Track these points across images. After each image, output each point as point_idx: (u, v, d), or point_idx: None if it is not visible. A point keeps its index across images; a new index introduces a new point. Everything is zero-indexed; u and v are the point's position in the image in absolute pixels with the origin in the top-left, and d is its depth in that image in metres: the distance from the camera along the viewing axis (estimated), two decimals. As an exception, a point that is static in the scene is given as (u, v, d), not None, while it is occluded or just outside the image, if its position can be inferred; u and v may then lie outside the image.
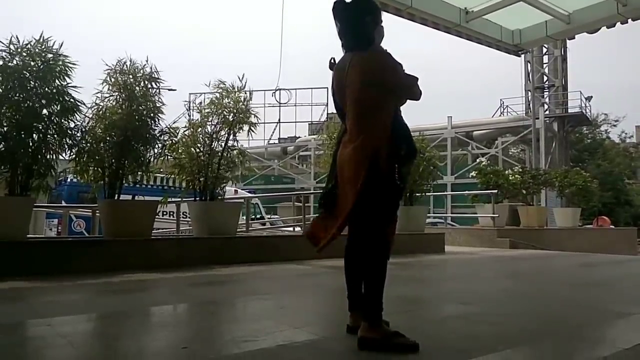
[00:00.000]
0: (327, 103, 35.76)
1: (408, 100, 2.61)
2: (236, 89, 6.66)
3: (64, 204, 11.44)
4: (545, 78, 27.63)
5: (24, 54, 5.24)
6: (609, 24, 9.79)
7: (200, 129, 6.66)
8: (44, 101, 5.29)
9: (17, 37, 5.24)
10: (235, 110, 6.60)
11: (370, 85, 2.46)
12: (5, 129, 5.09)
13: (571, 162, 27.94)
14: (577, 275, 6.26)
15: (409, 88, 2.56)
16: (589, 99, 28.38)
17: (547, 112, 26.25)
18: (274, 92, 34.13)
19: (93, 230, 8.48)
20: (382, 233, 2.42)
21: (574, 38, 11.72)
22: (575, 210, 13.34)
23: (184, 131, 6.61)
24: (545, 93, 27.72)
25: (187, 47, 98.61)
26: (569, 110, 27.13)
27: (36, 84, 5.23)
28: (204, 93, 6.89)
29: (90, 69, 6.05)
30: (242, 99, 6.66)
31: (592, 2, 9.33)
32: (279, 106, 36.19)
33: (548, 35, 10.56)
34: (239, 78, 6.72)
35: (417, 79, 2.55)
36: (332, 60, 2.65)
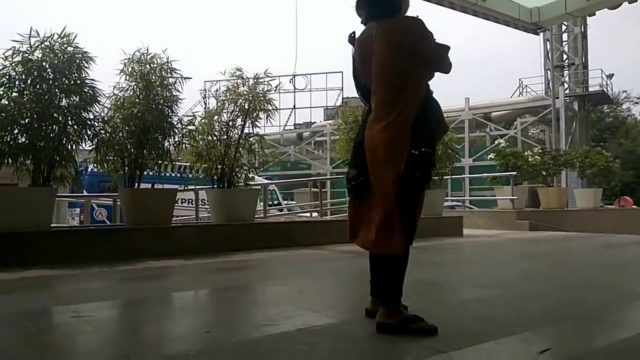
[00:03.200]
0: (342, 87, 35.62)
1: (435, 74, 2.44)
2: (252, 77, 6.67)
3: (85, 193, 11.63)
4: (564, 56, 27.05)
5: (45, 47, 5.31)
6: (630, -1, 9.54)
7: (216, 117, 6.70)
8: (63, 93, 5.37)
9: (37, 31, 5.31)
10: (251, 98, 6.62)
11: (400, 54, 2.29)
12: (27, 120, 5.18)
13: (592, 141, 27.46)
14: (598, 256, 6.19)
15: (440, 59, 2.38)
16: (610, 77, 27.81)
17: (567, 92, 25.74)
18: (291, 79, 34.02)
19: (114, 218, 8.63)
20: (411, 216, 2.29)
21: (594, 14, 11.44)
22: (596, 190, 13.14)
23: (201, 119, 6.66)
24: (565, 72, 27.17)
25: (201, 34, 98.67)
26: (590, 89, 26.58)
27: (56, 76, 5.30)
28: (220, 81, 6.90)
29: (107, 58, 6.11)
30: (260, 87, 6.66)
31: (612, -23, 9.10)
32: (294, 92, 36.10)
33: (567, 12, 10.35)
34: (264, 73, 6.70)
35: (448, 48, 2.37)
36: (353, 34, 2.49)
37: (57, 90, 5.32)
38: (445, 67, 2.40)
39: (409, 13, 2.48)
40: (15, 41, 5.21)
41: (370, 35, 2.36)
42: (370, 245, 2.37)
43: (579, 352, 2.16)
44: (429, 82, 2.43)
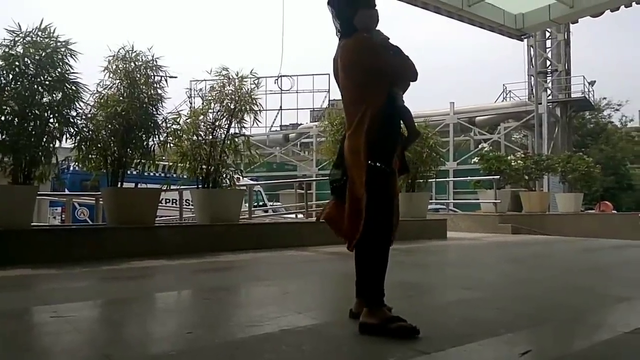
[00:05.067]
0: (329, 89, 35.69)
1: (411, 84, 2.59)
2: (238, 77, 6.63)
3: (67, 192, 11.47)
4: (548, 63, 27.40)
5: (26, 42, 5.22)
6: (613, 7, 9.73)
7: (202, 116, 6.66)
8: (45, 90, 5.29)
9: (19, 25, 5.23)
10: (237, 98, 6.59)
11: (352, 70, 2.47)
12: (7, 117, 5.09)
13: (574, 147, 27.81)
14: (579, 260, 6.28)
15: (395, 69, 2.53)
16: (592, 83, 28.21)
17: (549, 97, 26.07)
18: (277, 80, 33.99)
19: (97, 218, 8.53)
20: (384, 220, 2.41)
21: (577, 22, 11.63)
22: (577, 195, 13.34)
23: (186, 119, 6.61)
24: (548, 78, 27.51)
25: (188, 33, 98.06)
26: (572, 95, 26.95)
27: (38, 72, 5.22)
28: (206, 80, 6.87)
29: (91, 56, 6.04)
30: (246, 87, 6.64)
31: (595, -15, 9.26)
32: (281, 93, 36.06)
33: (551, 19, 10.52)
34: (250, 73, 6.69)
35: (406, 59, 2.53)
36: None
37: (39, 86, 5.24)
38: (406, 77, 2.58)
39: (380, 25, 2.58)
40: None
41: (337, 56, 2.60)
42: (325, 216, 2.62)
43: (560, 354, 2.18)
44: (404, 92, 2.59)
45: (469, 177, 14.77)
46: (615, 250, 7.35)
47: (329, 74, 35.48)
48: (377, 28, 2.58)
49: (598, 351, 2.23)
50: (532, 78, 26.72)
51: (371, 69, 2.45)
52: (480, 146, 15.21)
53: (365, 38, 2.48)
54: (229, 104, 6.60)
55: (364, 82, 2.45)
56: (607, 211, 19.99)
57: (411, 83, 2.62)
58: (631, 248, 7.61)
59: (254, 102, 6.70)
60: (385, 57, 2.50)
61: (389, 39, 2.56)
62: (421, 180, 8.94)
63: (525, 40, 17.77)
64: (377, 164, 2.36)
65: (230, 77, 6.63)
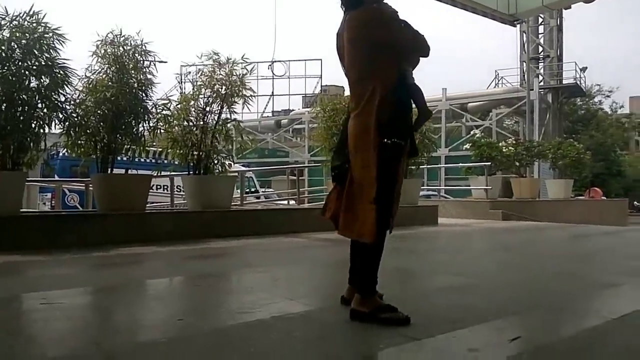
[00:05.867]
0: (321, 75, 35.47)
1: (421, 59, 2.44)
2: (229, 62, 6.56)
3: (56, 178, 11.38)
4: (540, 49, 27.42)
5: (13, 26, 5.12)
6: (605, -7, 9.69)
7: (193, 102, 6.59)
8: (33, 75, 5.20)
9: (5, 9, 5.12)
10: (228, 83, 6.52)
11: (361, 44, 2.32)
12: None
13: (565, 133, 27.98)
14: (568, 246, 6.35)
15: (406, 43, 2.38)
16: (583, 70, 28.30)
17: (541, 84, 26.13)
18: (269, 65, 33.71)
19: (87, 204, 8.48)
20: (383, 205, 2.30)
21: (570, 8, 11.62)
22: (567, 181, 13.44)
23: (177, 104, 6.54)
24: (540, 64, 27.56)
25: (178, 17, 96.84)
26: (564, 82, 27.04)
27: (26, 57, 5.13)
28: (196, 65, 6.78)
29: (80, 41, 5.94)
30: (237, 72, 6.57)
31: (589, -29, 9.22)
32: (273, 79, 35.81)
33: (544, 4, 10.50)
34: (242, 58, 6.61)
35: (417, 32, 2.38)
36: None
37: (26, 71, 5.15)
38: (418, 51, 2.43)
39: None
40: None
41: (341, 30, 2.43)
42: (341, 229, 2.41)
43: (549, 340, 2.20)
44: (413, 69, 2.45)
45: (460, 164, 14.83)
46: (604, 236, 7.43)
47: (321, 60, 35.38)
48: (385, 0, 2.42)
49: (586, 337, 2.26)
50: (524, 64, 26.72)
51: (381, 42, 2.30)
52: (472, 132, 15.20)
53: (374, 9, 2.32)
54: (220, 89, 6.53)
55: (373, 56, 2.30)
56: (596, 197, 20.19)
57: (421, 59, 2.47)
58: (620, 234, 7.70)
59: (246, 87, 6.64)
60: (396, 29, 2.33)
61: (397, 12, 2.37)
62: (413, 167, 8.95)
63: (518, 26, 17.73)
64: (393, 139, 2.24)
65: (221, 62, 6.56)
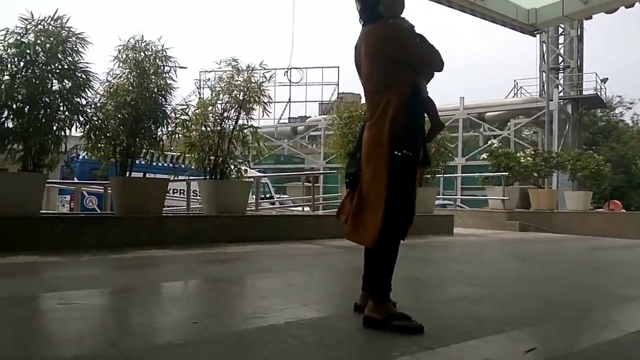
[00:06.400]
0: (338, 83, 35.57)
1: (435, 73, 2.52)
2: (248, 68, 6.63)
3: (76, 180, 11.56)
4: (560, 59, 27.14)
5: (38, 30, 5.24)
6: (627, 3, 9.60)
7: (211, 107, 6.66)
8: (55, 78, 5.31)
9: (31, 14, 5.25)
10: (246, 89, 6.58)
11: (378, 58, 2.40)
12: (18, 104, 5.12)
13: (584, 144, 27.60)
14: (586, 258, 6.24)
15: (422, 59, 2.46)
16: (604, 80, 27.91)
17: (561, 94, 25.85)
18: (286, 72, 33.91)
19: (105, 206, 8.59)
20: (395, 214, 2.34)
21: (591, 18, 11.50)
22: (586, 193, 13.24)
23: (195, 109, 6.62)
24: (560, 74, 27.26)
25: (198, 23, 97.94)
26: (584, 93, 26.69)
27: (49, 60, 5.24)
28: (215, 71, 6.86)
29: (102, 45, 6.05)
30: (255, 79, 6.63)
31: (610, -18, 9.13)
32: (290, 85, 35.99)
33: (564, 15, 10.37)
34: (260, 65, 6.67)
35: (432, 47, 2.46)
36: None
37: (49, 74, 5.26)
38: (432, 66, 2.50)
39: (405, 13, 2.52)
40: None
41: (359, 43, 2.52)
42: (347, 234, 2.49)
43: (565, 352, 2.17)
44: (427, 82, 2.51)
45: (477, 173, 14.71)
46: (624, 249, 7.29)
47: (338, 67, 35.50)
48: (402, 15, 2.50)
49: (603, 350, 2.22)
50: (544, 74, 26.48)
51: (397, 57, 2.38)
52: (489, 142, 15.08)
53: (392, 25, 2.41)
54: (238, 95, 6.59)
55: (390, 70, 2.39)
56: (616, 210, 19.84)
57: (435, 73, 2.55)
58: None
59: (263, 93, 6.69)
60: (412, 45, 2.43)
61: (414, 26, 2.48)
62: (428, 176, 8.91)
63: (538, 36, 17.59)
64: (406, 152, 2.31)
65: (240, 68, 6.63)
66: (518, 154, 12.70)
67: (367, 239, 2.38)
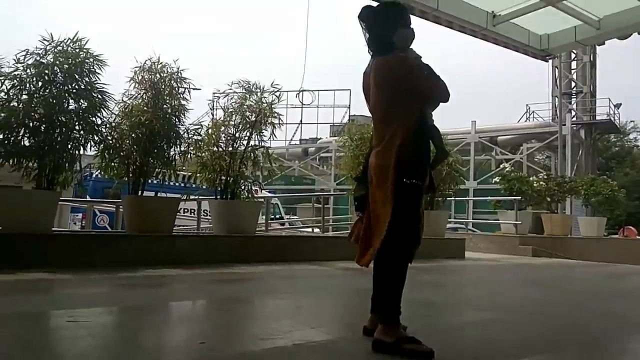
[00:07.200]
0: (350, 105, 35.79)
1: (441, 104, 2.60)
2: (259, 89, 6.70)
3: (88, 198, 11.66)
4: (573, 84, 27.10)
5: (57, 51, 5.36)
6: (640, 29, 9.58)
7: (223, 128, 6.72)
8: (72, 98, 5.41)
9: (51, 35, 5.38)
10: (257, 110, 6.64)
11: (386, 89, 2.49)
12: (35, 123, 5.21)
13: (598, 170, 27.33)
14: (601, 285, 6.13)
15: (429, 90, 2.54)
16: (617, 106, 27.76)
17: (574, 119, 25.74)
18: (298, 94, 34.21)
19: (116, 225, 8.63)
20: (407, 237, 2.39)
21: (603, 44, 11.51)
22: (600, 219, 13.07)
23: (207, 130, 6.68)
24: (572, 99, 27.18)
25: (211, 44, 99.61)
26: (597, 118, 26.56)
27: (67, 81, 5.35)
28: (227, 92, 6.92)
29: (117, 66, 6.16)
30: (267, 100, 6.70)
31: (623, 8, 9.14)
32: (301, 107, 36.26)
33: (577, 40, 10.36)
34: (271, 86, 6.75)
35: (439, 79, 2.54)
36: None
37: (66, 94, 5.36)
38: (439, 97, 2.57)
39: (414, 44, 2.60)
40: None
41: (368, 71, 2.60)
42: (356, 258, 2.54)
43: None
44: (433, 111, 2.59)
45: (489, 197, 14.60)
46: (638, 276, 7.15)
47: (349, 90, 35.71)
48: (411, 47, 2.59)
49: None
50: (556, 99, 26.41)
51: (405, 89, 2.46)
52: (501, 166, 14.99)
53: (402, 58, 2.49)
54: (250, 116, 6.65)
55: (397, 100, 2.47)
56: (631, 236, 19.52)
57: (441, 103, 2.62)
58: (656, 275, 7.40)
59: (275, 114, 6.75)
60: (420, 77, 2.51)
61: (421, 57, 2.58)
62: (440, 199, 8.86)
63: (550, 60, 17.61)
64: (413, 180, 2.37)
65: (252, 89, 6.70)
66: (531, 179, 12.60)
67: (364, 261, 2.47)
